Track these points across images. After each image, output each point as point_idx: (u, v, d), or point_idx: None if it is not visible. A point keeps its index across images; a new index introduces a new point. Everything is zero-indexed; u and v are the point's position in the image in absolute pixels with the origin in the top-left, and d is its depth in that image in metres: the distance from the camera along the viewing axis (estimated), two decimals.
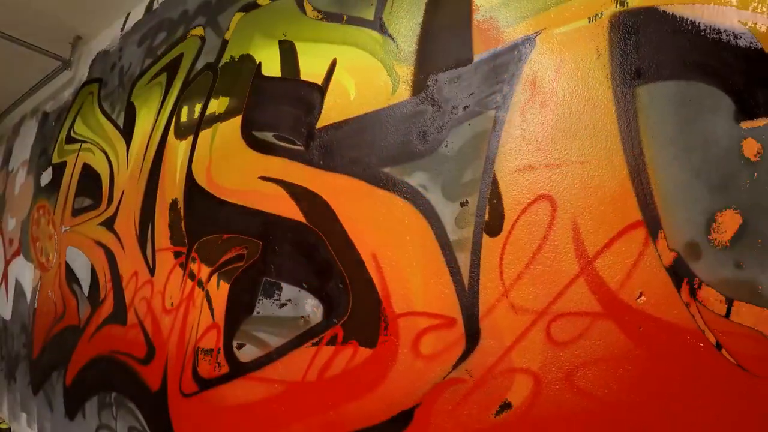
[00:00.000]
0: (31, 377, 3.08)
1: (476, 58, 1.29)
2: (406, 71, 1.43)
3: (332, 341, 1.41)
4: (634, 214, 1.00)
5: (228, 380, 1.66)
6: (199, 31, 2.33)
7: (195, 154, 2.09)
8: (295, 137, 1.68)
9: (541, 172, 1.13)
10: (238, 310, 1.69)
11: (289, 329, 1.52)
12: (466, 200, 1.23)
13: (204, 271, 1.86)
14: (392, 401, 1.25)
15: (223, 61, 2.12)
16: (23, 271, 3.42)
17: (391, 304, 1.31)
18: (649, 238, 0.98)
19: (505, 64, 1.24)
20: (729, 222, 0.91)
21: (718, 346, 0.89)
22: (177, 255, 2.02)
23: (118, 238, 2.45)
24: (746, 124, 0.91)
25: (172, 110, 2.34)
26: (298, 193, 1.61)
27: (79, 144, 3.07)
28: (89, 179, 2.85)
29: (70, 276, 2.77)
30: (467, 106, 1.28)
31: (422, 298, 1.25)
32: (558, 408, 1.03)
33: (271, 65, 1.87)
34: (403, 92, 1.42)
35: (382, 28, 1.53)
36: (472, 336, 1.16)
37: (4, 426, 3.13)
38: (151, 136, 2.45)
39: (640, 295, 0.97)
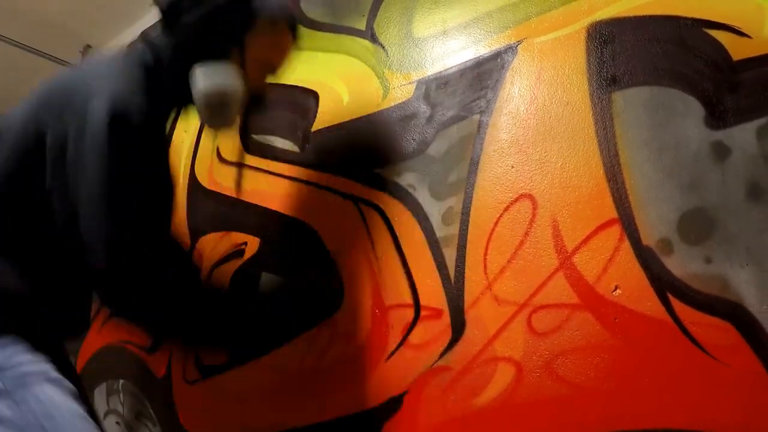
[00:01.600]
0: None
1: (461, 66, 1.28)
2: (395, 78, 1.42)
3: (326, 332, 1.39)
4: (609, 212, 0.99)
5: (229, 368, 1.63)
6: None
7: (197, 155, 2.06)
8: (291, 140, 1.65)
9: (522, 173, 1.12)
10: (237, 302, 1.66)
11: (285, 320, 1.50)
12: (453, 199, 1.21)
13: (206, 265, 1.83)
14: (383, 388, 1.23)
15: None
16: None
17: (382, 297, 1.29)
18: (624, 235, 0.97)
19: (489, 71, 1.22)
20: (699, 220, 0.90)
21: (690, 337, 0.88)
22: None
23: None
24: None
25: (175, 115, 2.31)
26: (294, 192, 1.59)
27: None
28: None
29: None
30: (453, 111, 1.27)
31: (411, 290, 1.24)
32: (538, 394, 1.01)
33: None
34: (393, 98, 1.40)
35: (373, 38, 1.51)
36: (458, 327, 1.14)
37: None
38: None
39: (616, 288, 0.96)
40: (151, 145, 1.00)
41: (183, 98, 1.09)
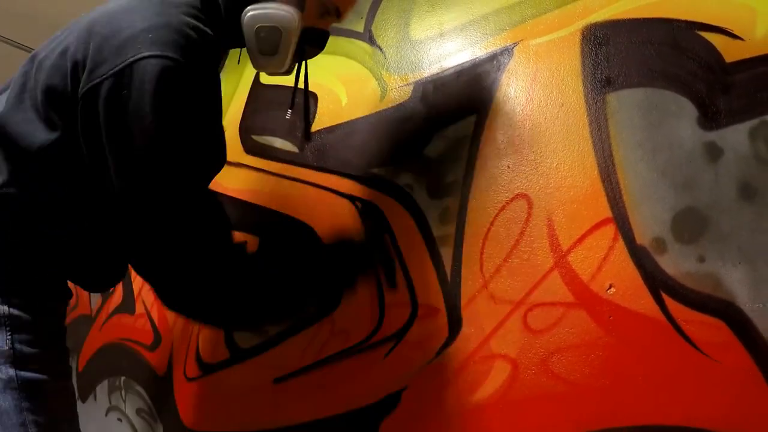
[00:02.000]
0: None
1: (458, 68, 1.28)
2: (393, 79, 1.41)
3: (325, 329, 1.38)
4: (604, 211, 0.99)
5: (228, 365, 1.63)
6: None
7: None
8: (290, 140, 1.65)
9: (518, 173, 1.11)
10: None
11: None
12: (449, 199, 1.21)
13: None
14: (381, 385, 1.23)
15: (223, 70, 2.08)
16: None
17: (378, 295, 1.29)
18: (618, 234, 0.96)
19: (485, 73, 1.22)
20: (692, 219, 0.90)
21: (683, 334, 0.87)
22: None
23: None
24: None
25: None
26: (293, 192, 1.58)
27: None
28: None
29: None
30: (450, 112, 1.26)
31: (408, 289, 1.23)
32: (534, 391, 1.01)
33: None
34: (391, 99, 1.40)
35: (371, 40, 1.50)
36: (455, 324, 1.14)
37: None
38: None
39: (610, 287, 0.96)
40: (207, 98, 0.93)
41: (235, 40, 1.02)
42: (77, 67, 0.86)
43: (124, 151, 0.84)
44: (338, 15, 1.14)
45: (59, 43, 0.93)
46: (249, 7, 0.96)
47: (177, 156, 0.86)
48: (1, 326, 0.89)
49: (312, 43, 1.10)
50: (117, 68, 0.81)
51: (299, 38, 1.02)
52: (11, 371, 0.88)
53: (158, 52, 0.81)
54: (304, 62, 1.16)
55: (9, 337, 0.89)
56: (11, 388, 0.87)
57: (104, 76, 0.82)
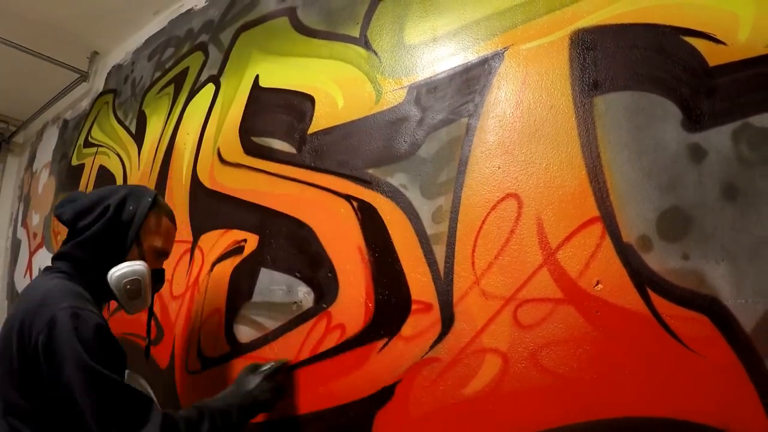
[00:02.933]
0: None
1: (450, 71, 1.27)
2: (388, 83, 1.40)
3: (322, 324, 1.37)
4: (591, 210, 0.98)
5: (229, 359, 1.61)
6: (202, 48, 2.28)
7: (199, 156, 2.04)
8: (288, 142, 1.64)
9: (508, 173, 1.10)
10: (238, 296, 1.65)
11: (284, 313, 1.48)
12: (442, 198, 1.20)
13: (207, 261, 1.81)
14: (376, 378, 1.22)
15: (224, 74, 2.07)
16: (46, 262, 3.32)
17: (374, 291, 1.28)
18: (605, 232, 0.96)
19: (477, 77, 1.21)
20: (676, 218, 0.89)
21: (668, 329, 0.86)
22: (183, 247, 1.96)
23: None
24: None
25: (178, 118, 2.29)
26: (291, 192, 1.57)
27: (96, 148, 2.98)
28: (105, 179, 2.78)
29: None
30: (443, 115, 1.25)
31: (403, 285, 1.22)
32: (524, 384, 1.00)
33: (267, 77, 1.82)
34: (386, 102, 1.39)
35: (366, 44, 1.49)
36: (447, 320, 1.13)
37: None
38: (160, 141, 2.39)
39: (597, 283, 0.95)
40: (108, 337, 1.09)
41: (107, 296, 1.27)
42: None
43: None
44: (167, 255, 1.41)
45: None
46: (112, 270, 1.23)
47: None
48: None
49: (158, 280, 1.39)
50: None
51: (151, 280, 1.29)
52: None
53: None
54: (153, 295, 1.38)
55: None
56: None
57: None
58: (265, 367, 1.34)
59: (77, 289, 1.16)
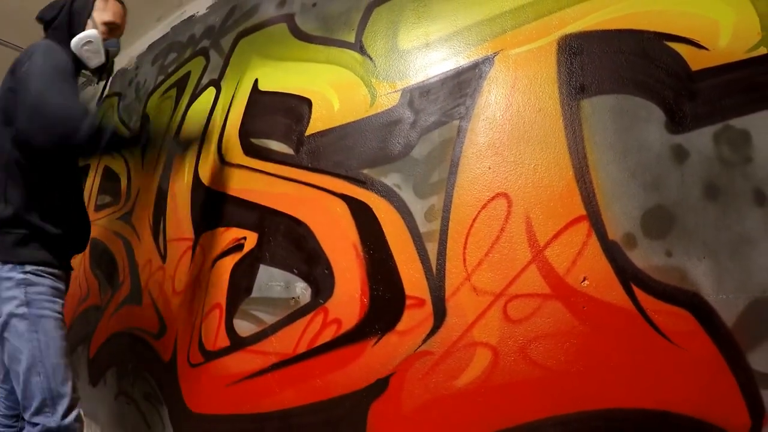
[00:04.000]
0: None
1: (442, 75, 1.25)
2: (382, 86, 1.38)
3: (319, 319, 1.35)
4: (578, 209, 0.97)
5: (229, 352, 1.59)
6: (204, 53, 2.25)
7: (200, 157, 2.02)
8: (286, 143, 1.62)
9: (498, 174, 1.09)
10: (238, 292, 1.62)
11: (282, 308, 1.46)
12: (434, 198, 1.18)
13: (208, 258, 1.79)
14: (371, 371, 1.20)
15: (224, 78, 2.04)
16: None
17: (368, 287, 1.26)
18: (591, 230, 0.94)
19: (468, 81, 1.19)
20: (660, 216, 0.88)
21: (651, 324, 0.85)
22: (185, 244, 1.94)
23: (135, 230, 2.36)
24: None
25: (181, 120, 2.26)
26: (289, 191, 1.55)
27: None
28: (110, 179, 2.75)
29: (93, 262, 2.67)
30: (435, 117, 1.23)
31: (396, 281, 1.20)
32: (513, 377, 0.99)
33: (266, 81, 1.80)
34: (380, 104, 1.37)
35: (361, 49, 1.47)
36: (440, 314, 1.11)
37: None
38: (162, 142, 2.36)
39: (584, 279, 0.94)
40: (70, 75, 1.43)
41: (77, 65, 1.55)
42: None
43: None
44: (117, 27, 1.65)
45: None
46: (73, 40, 1.52)
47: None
48: (20, 285, 1.34)
49: (112, 45, 1.63)
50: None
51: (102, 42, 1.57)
52: (25, 309, 1.33)
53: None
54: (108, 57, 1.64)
55: (24, 289, 1.34)
56: (25, 320, 1.32)
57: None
58: None
59: (56, 46, 1.46)
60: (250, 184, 1.71)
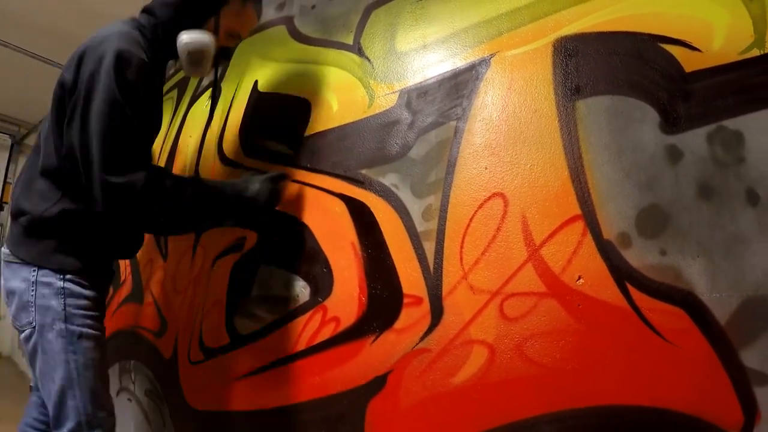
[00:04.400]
0: None
1: (439, 77, 1.24)
2: (380, 88, 1.37)
3: (318, 317, 1.34)
4: (573, 209, 0.96)
5: (229, 350, 1.59)
6: None
7: (201, 157, 2.01)
8: (286, 144, 1.61)
9: (495, 174, 1.08)
10: (238, 291, 1.62)
11: (281, 307, 1.45)
12: (432, 197, 1.17)
13: (209, 257, 1.78)
14: (369, 368, 1.19)
15: (225, 79, 2.03)
16: None
17: (366, 285, 1.25)
18: (586, 230, 0.94)
19: (464, 82, 1.19)
20: (654, 216, 0.88)
21: (646, 322, 0.85)
22: (186, 244, 1.93)
23: None
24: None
25: (182, 121, 2.25)
26: (289, 191, 1.54)
27: None
28: None
29: None
30: (432, 118, 1.23)
31: (394, 280, 1.20)
32: (509, 374, 0.98)
33: (265, 82, 1.79)
34: (378, 105, 1.36)
35: (359, 51, 1.47)
36: (437, 313, 1.10)
37: None
38: (164, 142, 2.35)
39: (579, 278, 0.93)
40: (148, 84, 1.19)
41: (172, 54, 1.31)
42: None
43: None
44: (240, 38, 1.43)
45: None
46: (183, 33, 1.26)
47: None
48: (59, 295, 1.19)
49: (224, 56, 1.42)
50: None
51: (215, 54, 1.31)
52: (62, 324, 1.18)
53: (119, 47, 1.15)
54: (216, 69, 1.45)
55: (62, 301, 1.20)
56: (61, 336, 1.18)
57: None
58: (267, 174, 1.41)
59: (137, 38, 1.21)
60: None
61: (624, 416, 0.85)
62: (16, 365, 4.06)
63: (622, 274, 0.89)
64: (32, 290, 1.19)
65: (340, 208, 1.36)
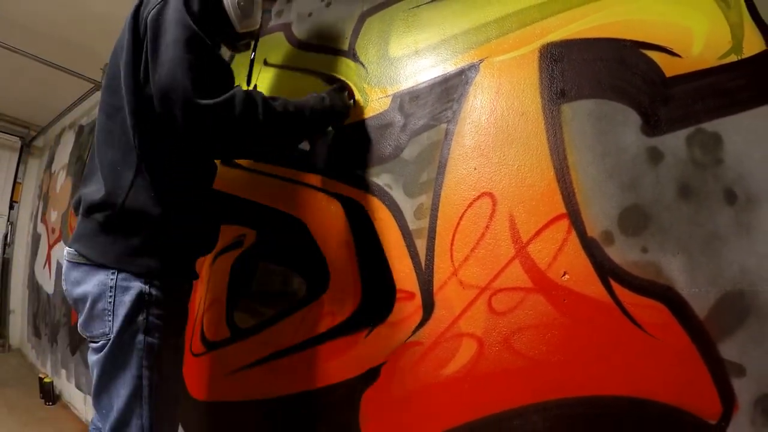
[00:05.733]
0: (70, 340, 2.90)
1: (430, 81, 1.22)
2: (374, 92, 1.35)
3: (315, 311, 1.32)
4: (559, 207, 0.95)
5: (229, 343, 1.56)
6: None
7: None
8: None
9: (484, 174, 1.06)
10: (238, 286, 1.59)
11: (279, 302, 1.43)
12: (423, 197, 1.15)
13: (210, 254, 1.75)
14: (363, 360, 1.18)
15: None
16: (63, 254, 3.22)
17: (361, 281, 1.23)
18: (571, 228, 0.92)
19: (454, 86, 1.17)
20: (636, 215, 0.86)
21: (628, 316, 0.84)
22: None
23: None
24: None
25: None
26: (287, 191, 1.51)
27: None
28: None
29: None
30: (424, 121, 1.20)
31: (387, 276, 1.18)
32: (498, 366, 0.96)
33: (264, 87, 1.76)
34: (372, 109, 1.34)
35: (354, 57, 1.44)
36: (428, 307, 1.09)
37: (47, 380, 2.95)
38: None
39: (564, 274, 0.92)
40: (209, 27, 1.04)
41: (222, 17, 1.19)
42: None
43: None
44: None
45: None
46: None
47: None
48: (140, 302, 1.00)
49: (266, 11, 1.37)
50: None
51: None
52: (141, 336, 0.99)
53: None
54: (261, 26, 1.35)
55: (145, 310, 1.00)
56: (138, 349, 0.99)
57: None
58: (331, 87, 1.35)
59: None
60: (250, 184, 1.67)
61: (607, 406, 0.84)
62: (25, 357, 4.00)
63: (605, 270, 0.87)
64: (110, 296, 0.99)
65: (336, 207, 1.34)
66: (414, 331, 1.10)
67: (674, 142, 0.84)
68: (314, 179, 1.43)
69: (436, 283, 1.08)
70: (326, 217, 1.36)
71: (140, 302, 1.00)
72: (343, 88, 1.38)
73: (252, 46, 1.44)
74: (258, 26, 1.28)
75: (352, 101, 1.36)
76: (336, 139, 1.40)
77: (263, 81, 1.76)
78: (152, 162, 1.04)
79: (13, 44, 2.85)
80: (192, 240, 1.16)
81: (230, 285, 1.62)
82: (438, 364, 1.05)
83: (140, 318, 0.99)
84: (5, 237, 4.47)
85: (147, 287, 1.01)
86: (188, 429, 1.66)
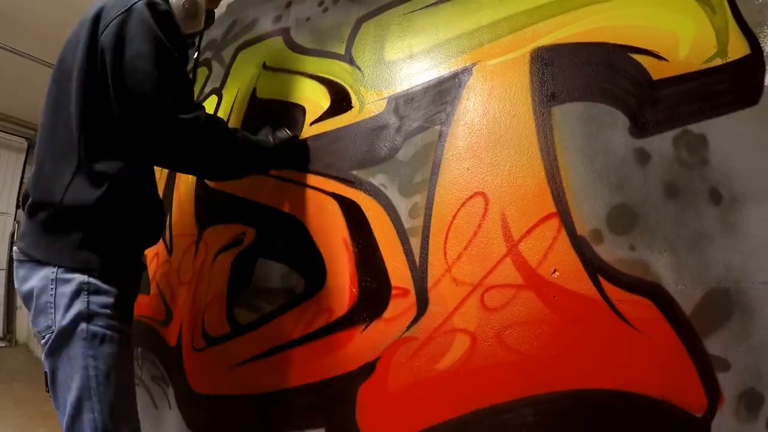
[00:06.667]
0: None
1: (425, 84, 1.21)
2: (370, 94, 1.33)
3: (312, 308, 1.31)
4: (549, 207, 0.93)
5: (230, 338, 1.54)
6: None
7: None
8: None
9: (476, 174, 1.05)
10: (238, 283, 1.57)
11: (278, 298, 1.41)
12: (418, 197, 1.14)
13: (210, 252, 1.73)
14: (359, 355, 1.16)
15: (225, 87, 1.98)
16: None
17: (357, 278, 1.21)
18: (561, 226, 0.91)
19: (448, 89, 1.15)
20: (624, 214, 0.85)
21: (617, 312, 0.83)
22: (190, 239, 1.88)
23: None
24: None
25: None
26: (285, 190, 1.49)
27: None
28: None
29: None
30: (418, 122, 1.19)
31: (383, 273, 1.16)
32: (490, 360, 0.95)
33: (263, 90, 1.74)
34: (368, 111, 1.32)
35: (351, 60, 1.42)
36: (422, 303, 1.07)
37: None
38: None
39: (555, 271, 0.90)
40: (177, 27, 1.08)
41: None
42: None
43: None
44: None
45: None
46: None
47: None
48: (81, 291, 0.97)
49: (209, 17, 1.34)
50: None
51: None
52: (83, 325, 0.96)
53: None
54: (201, 34, 1.40)
55: (86, 299, 0.97)
56: (81, 338, 0.95)
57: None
58: (276, 131, 1.42)
59: None
60: (249, 184, 1.65)
61: (596, 399, 0.83)
62: (32, 351, 3.96)
63: (594, 267, 0.86)
64: (52, 289, 0.97)
65: (333, 206, 1.32)
66: (408, 327, 1.08)
67: (661, 143, 0.84)
68: (312, 179, 1.41)
69: (430, 280, 1.07)
70: (324, 216, 1.34)
71: (80, 291, 0.98)
72: (284, 133, 1.44)
73: (196, 46, 1.45)
74: (201, 27, 1.27)
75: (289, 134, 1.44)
76: (333, 140, 1.39)
77: (263, 85, 1.74)
78: (93, 161, 1.01)
79: (20, 48, 2.81)
80: (133, 233, 1.13)
81: (230, 282, 1.60)
82: (432, 359, 1.04)
83: (81, 306, 0.96)
84: (12, 235, 4.43)
85: (86, 276, 0.99)
86: (190, 422, 1.64)
